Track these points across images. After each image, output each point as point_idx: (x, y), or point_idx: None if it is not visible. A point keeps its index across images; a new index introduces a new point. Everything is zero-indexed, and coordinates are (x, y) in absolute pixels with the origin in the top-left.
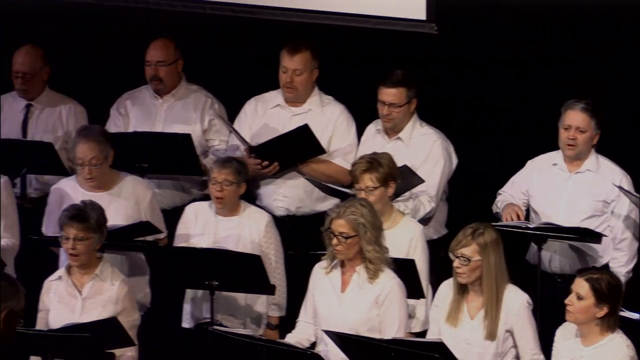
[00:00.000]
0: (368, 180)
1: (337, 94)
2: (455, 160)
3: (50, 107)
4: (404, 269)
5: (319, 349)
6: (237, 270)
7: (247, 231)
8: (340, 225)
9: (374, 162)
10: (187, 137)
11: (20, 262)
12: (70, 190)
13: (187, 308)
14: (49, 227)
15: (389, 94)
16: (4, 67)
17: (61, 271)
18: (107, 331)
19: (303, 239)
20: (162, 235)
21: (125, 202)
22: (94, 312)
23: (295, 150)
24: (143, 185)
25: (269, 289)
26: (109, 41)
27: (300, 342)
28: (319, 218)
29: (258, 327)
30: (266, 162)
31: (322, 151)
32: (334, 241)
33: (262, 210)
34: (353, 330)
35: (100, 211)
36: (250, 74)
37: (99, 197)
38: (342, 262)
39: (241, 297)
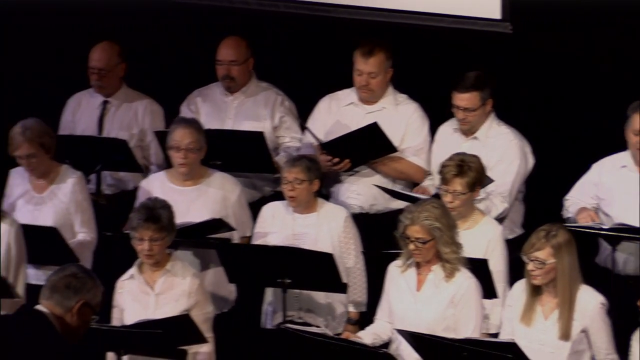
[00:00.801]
0: (458, 185)
1: (411, 93)
2: (531, 161)
3: (127, 104)
4: (477, 268)
5: (393, 348)
6: (309, 268)
7: (325, 228)
8: (415, 232)
9: (465, 166)
10: (260, 135)
11: (96, 258)
12: (159, 185)
13: (266, 308)
14: None
15: (462, 99)
16: (83, 64)
17: (132, 270)
18: (179, 328)
19: (376, 237)
20: (248, 233)
21: (213, 197)
22: (167, 307)
23: (366, 147)
24: (231, 182)
25: (341, 288)
26: (180, 38)
27: (375, 340)
28: (393, 216)
29: (340, 324)
30: (337, 159)
31: (393, 149)
32: (411, 246)
33: (339, 206)
34: (429, 330)
35: (169, 209)
36: (324, 72)
37: (188, 191)
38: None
39: (322, 294)
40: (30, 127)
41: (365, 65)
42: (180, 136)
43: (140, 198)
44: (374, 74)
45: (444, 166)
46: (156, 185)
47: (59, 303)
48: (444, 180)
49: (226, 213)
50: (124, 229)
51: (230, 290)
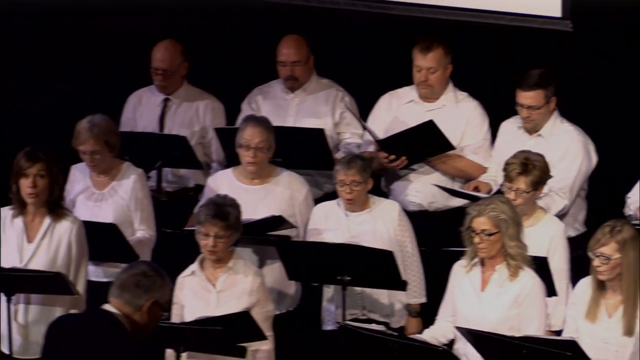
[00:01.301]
0: (522, 183)
1: (471, 90)
2: (594, 158)
3: (188, 102)
4: (538, 266)
5: (456, 347)
6: (369, 265)
7: (380, 224)
8: (481, 223)
9: (529, 164)
10: (320, 132)
11: (155, 255)
12: (227, 182)
13: (326, 307)
14: None
15: (527, 97)
16: (145, 60)
17: (194, 266)
18: (239, 325)
19: (436, 234)
20: None
21: (281, 196)
22: (228, 304)
23: (423, 144)
24: (299, 181)
25: (401, 285)
26: (240, 35)
27: (437, 339)
28: (452, 213)
29: (401, 319)
30: (393, 156)
31: (450, 147)
32: (476, 239)
33: (390, 200)
34: (492, 330)
35: (237, 207)
36: (383, 69)
37: (256, 190)
38: (482, 261)
39: (384, 292)
40: (98, 124)
41: (424, 61)
42: (250, 135)
43: (207, 195)
44: (432, 69)
45: (508, 164)
46: (223, 183)
47: (128, 302)
48: (508, 178)
49: (293, 212)
50: (188, 224)
51: (294, 289)
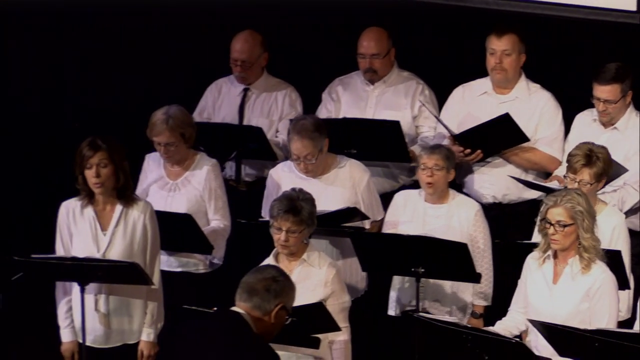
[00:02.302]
0: (586, 174)
1: (544, 82)
2: None
3: (267, 92)
4: (610, 259)
5: (528, 339)
6: (443, 258)
7: (456, 219)
8: (557, 214)
9: (593, 156)
10: (396, 124)
11: (231, 246)
12: (287, 174)
13: (393, 295)
14: (267, 211)
15: (603, 91)
16: (224, 51)
17: (269, 259)
18: (313, 316)
19: (509, 227)
20: (378, 217)
21: (342, 187)
22: (303, 296)
23: (498, 138)
24: (360, 169)
25: (475, 278)
26: (320, 25)
27: (509, 330)
28: (526, 206)
29: (464, 316)
30: (468, 150)
31: (525, 139)
32: (551, 230)
33: (471, 199)
34: (563, 323)
35: (311, 202)
36: (458, 62)
37: (315, 183)
38: (554, 254)
39: (447, 285)
40: (174, 116)
41: (499, 43)
42: (297, 150)
43: (269, 187)
44: (507, 51)
45: (572, 155)
46: (284, 175)
47: (257, 306)
48: (572, 170)
49: (356, 199)
50: (262, 216)
51: (360, 279)
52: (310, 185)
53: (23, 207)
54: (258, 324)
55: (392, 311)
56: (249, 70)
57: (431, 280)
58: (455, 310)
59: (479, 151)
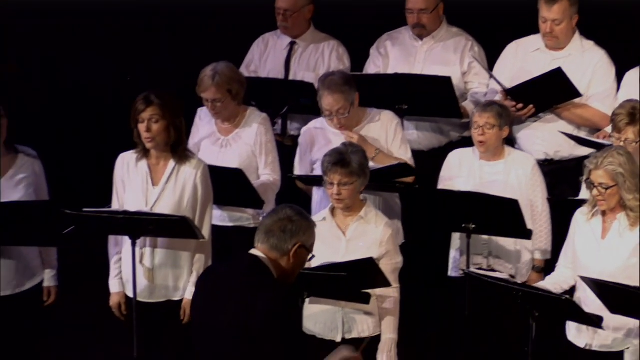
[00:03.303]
0: (630, 133)
1: (596, 39)
2: None
3: (314, 46)
4: None
5: (577, 296)
6: (494, 214)
7: (513, 175)
8: (599, 177)
9: (637, 114)
10: (447, 80)
11: (280, 201)
12: (320, 130)
13: (453, 255)
14: (301, 169)
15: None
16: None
17: (325, 212)
18: (364, 271)
19: (561, 183)
20: (407, 157)
21: (376, 138)
22: (357, 253)
23: (550, 93)
24: (389, 115)
25: (526, 234)
26: None
27: (559, 285)
28: (578, 162)
29: (527, 271)
30: (520, 105)
31: (577, 94)
32: (595, 192)
33: (527, 154)
34: (611, 278)
35: (362, 154)
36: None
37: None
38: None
39: (511, 241)
40: (221, 73)
41: (549, 13)
42: (328, 105)
43: (302, 145)
44: (558, 21)
45: (615, 114)
46: (318, 130)
47: (275, 247)
48: (617, 129)
49: (388, 150)
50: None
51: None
52: (344, 138)
53: (86, 159)
54: (277, 265)
55: (452, 272)
56: (291, 19)
57: (494, 238)
58: (519, 266)
59: (531, 106)
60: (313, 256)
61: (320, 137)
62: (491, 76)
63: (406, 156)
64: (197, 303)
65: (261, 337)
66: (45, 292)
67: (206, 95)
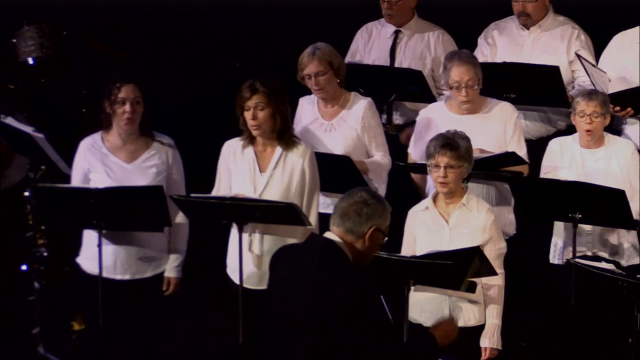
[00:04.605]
0: None
1: None
2: None
3: (419, 34)
4: None
5: None
6: (600, 204)
7: (614, 162)
8: None
9: None
10: (555, 70)
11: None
12: (438, 115)
13: (556, 242)
14: (416, 152)
15: None
16: None
17: (427, 201)
18: (470, 260)
19: None
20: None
21: (494, 125)
22: (461, 241)
23: None
24: (510, 108)
25: (632, 224)
26: None
27: None
28: None
29: (630, 258)
30: (618, 108)
31: None
32: None
33: (626, 139)
34: None
35: (467, 139)
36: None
37: (468, 120)
38: None
39: (613, 232)
40: (321, 47)
41: None
42: (459, 75)
43: (419, 125)
44: None
45: None
46: (435, 114)
47: (350, 230)
48: None
49: (505, 140)
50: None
51: (509, 221)
52: (460, 124)
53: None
54: (352, 248)
55: (554, 259)
56: (396, 7)
57: (599, 227)
58: (622, 253)
59: (629, 109)
60: (387, 239)
61: (439, 118)
62: (586, 71)
63: (521, 152)
64: (273, 286)
65: (340, 321)
66: (165, 282)
67: (309, 70)
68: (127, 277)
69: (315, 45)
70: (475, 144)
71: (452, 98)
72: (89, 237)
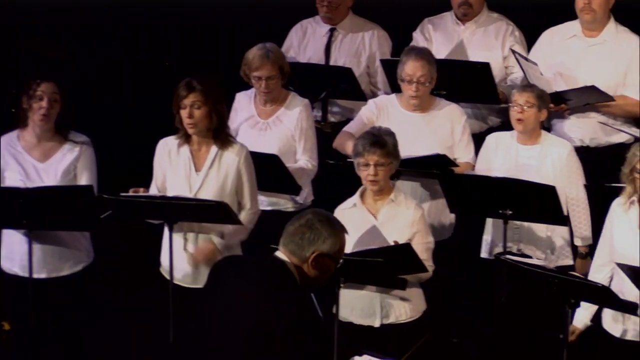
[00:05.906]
0: None
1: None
2: None
3: (354, 32)
4: None
5: (614, 283)
6: (531, 200)
7: (548, 161)
8: None
9: None
10: (486, 66)
11: (318, 186)
12: (389, 106)
13: (486, 238)
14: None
15: None
16: None
17: (355, 199)
18: (400, 257)
19: (596, 170)
20: (472, 162)
21: (441, 125)
22: (390, 236)
23: (585, 99)
24: (458, 110)
25: (562, 220)
26: None
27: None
28: (613, 150)
29: (559, 257)
30: (552, 105)
31: (609, 99)
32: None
33: (564, 140)
34: None
35: (393, 136)
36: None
37: (417, 118)
38: None
39: (542, 227)
40: (272, 50)
41: None
42: (412, 69)
43: (362, 114)
44: None
45: None
46: (386, 107)
47: (293, 252)
48: None
49: (452, 142)
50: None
51: (447, 222)
52: (410, 121)
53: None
54: (300, 270)
55: (484, 254)
56: (336, 10)
57: (526, 224)
58: (550, 253)
59: (563, 105)
60: (340, 263)
61: (389, 111)
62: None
63: (468, 156)
64: (210, 294)
65: (277, 341)
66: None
67: (261, 72)
68: (43, 275)
69: (266, 47)
70: (424, 143)
71: (402, 93)
72: (7, 235)
